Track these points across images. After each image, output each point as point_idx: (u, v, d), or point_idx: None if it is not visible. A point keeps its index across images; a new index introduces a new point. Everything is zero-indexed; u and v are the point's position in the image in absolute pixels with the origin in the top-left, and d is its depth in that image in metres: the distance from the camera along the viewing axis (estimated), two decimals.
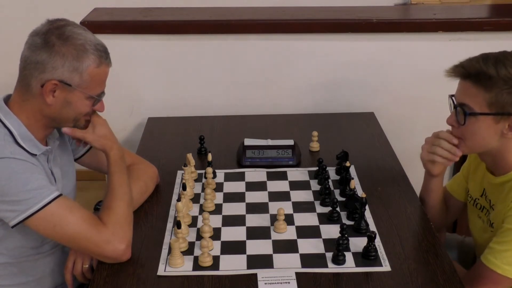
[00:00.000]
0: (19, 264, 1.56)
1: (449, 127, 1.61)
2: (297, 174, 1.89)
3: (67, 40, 1.43)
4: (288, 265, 1.46)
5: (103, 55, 1.48)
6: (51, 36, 1.42)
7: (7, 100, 1.51)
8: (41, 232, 1.44)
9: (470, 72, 1.46)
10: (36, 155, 1.48)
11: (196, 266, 1.46)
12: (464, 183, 1.76)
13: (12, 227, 1.42)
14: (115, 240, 1.45)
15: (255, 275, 1.42)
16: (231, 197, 1.76)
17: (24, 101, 1.48)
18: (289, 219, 1.62)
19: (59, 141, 1.63)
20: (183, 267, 1.45)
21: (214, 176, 1.85)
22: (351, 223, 1.62)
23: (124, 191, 1.54)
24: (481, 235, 1.64)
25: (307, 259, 1.48)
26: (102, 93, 1.54)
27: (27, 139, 1.47)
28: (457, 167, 2.46)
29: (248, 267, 1.45)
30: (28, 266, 1.57)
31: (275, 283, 1.39)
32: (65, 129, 1.54)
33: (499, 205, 1.54)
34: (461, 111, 1.50)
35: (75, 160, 1.75)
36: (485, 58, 1.46)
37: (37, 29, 1.45)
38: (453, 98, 1.54)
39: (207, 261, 1.46)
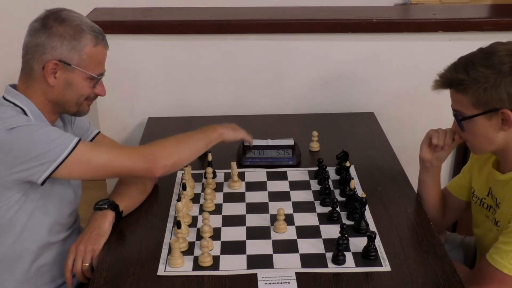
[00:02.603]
0: (27, 254, 1.58)
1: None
2: (297, 174, 1.89)
3: (64, 21, 1.51)
4: (288, 265, 1.46)
5: (99, 36, 1.56)
6: (49, 20, 1.52)
7: (13, 88, 1.57)
8: (75, 175, 1.52)
9: (446, 82, 1.51)
10: None
11: (196, 266, 1.46)
12: (466, 184, 1.76)
13: (42, 183, 1.46)
14: (149, 155, 1.57)
15: (255, 275, 1.42)
16: (231, 197, 1.77)
17: (28, 87, 1.55)
18: (289, 219, 1.62)
19: (62, 130, 1.65)
20: (183, 267, 1.46)
21: (214, 176, 1.85)
22: (351, 223, 1.62)
23: (184, 136, 1.67)
24: (486, 235, 1.64)
25: (307, 259, 1.48)
26: (102, 74, 1.60)
27: (37, 117, 1.53)
28: (456, 168, 2.46)
29: (248, 267, 1.45)
30: (34, 256, 1.59)
31: (275, 283, 1.39)
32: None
33: (506, 202, 1.54)
34: (456, 118, 1.54)
35: None
36: (457, 64, 1.51)
37: (37, 17, 1.54)
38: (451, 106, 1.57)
39: (207, 261, 1.46)
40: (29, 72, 1.53)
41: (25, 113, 1.52)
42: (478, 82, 1.44)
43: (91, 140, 1.79)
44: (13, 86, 1.58)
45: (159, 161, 1.57)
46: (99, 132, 1.82)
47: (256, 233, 1.59)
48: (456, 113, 1.54)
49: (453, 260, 1.52)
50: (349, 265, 1.45)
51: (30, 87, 1.54)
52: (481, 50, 1.50)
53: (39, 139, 1.44)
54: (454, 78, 1.48)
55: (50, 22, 1.50)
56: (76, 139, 1.48)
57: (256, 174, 1.89)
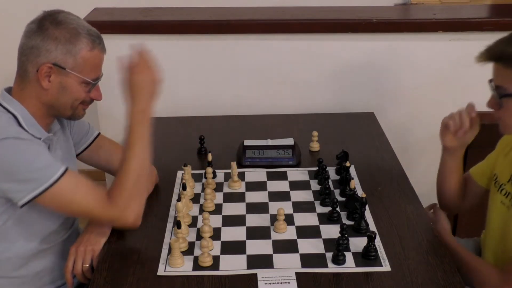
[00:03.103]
0: (22, 259, 1.56)
1: None
2: (297, 174, 1.89)
3: (60, 24, 1.48)
4: (288, 265, 1.46)
5: (96, 40, 1.52)
6: (45, 22, 1.49)
7: (8, 91, 1.55)
8: (51, 209, 1.49)
9: (495, 55, 1.47)
10: (40, 138, 1.51)
11: (196, 266, 1.46)
12: (488, 172, 1.73)
13: (21, 206, 1.44)
14: (123, 216, 1.51)
15: (255, 275, 1.42)
16: (231, 197, 1.77)
17: (22, 89, 1.52)
18: (289, 219, 1.62)
19: (60, 133, 1.65)
20: (183, 267, 1.46)
21: (214, 176, 1.85)
22: (351, 223, 1.61)
23: (136, 162, 1.52)
24: (504, 222, 1.61)
25: (307, 259, 1.48)
26: (97, 78, 1.57)
27: (30, 124, 1.50)
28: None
29: (248, 267, 1.45)
30: (30, 260, 1.58)
31: (275, 283, 1.39)
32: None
33: None
34: (496, 94, 1.49)
35: (76, 156, 1.75)
36: (509, 38, 1.47)
37: (33, 19, 1.51)
38: (491, 81, 1.53)
39: (207, 261, 1.46)
40: (23, 74, 1.50)
41: (17, 120, 1.48)
42: None
43: (92, 142, 1.77)
44: (9, 90, 1.55)
45: (136, 218, 1.52)
46: (99, 134, 1.81)
47: (256, 233, 1.59)
48: (497, 89, 1.49)
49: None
50: (349, 265, 1.45)
51: (24, 90, 1.51)
52: None
53: (23, 164, 1.41)
54: (506, 52, 1.44)
55: (46, 24, 1.47)
56: (58, 174, 1.43)
57: (256, 174, 1.89)
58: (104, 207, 1.49)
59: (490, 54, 1.48)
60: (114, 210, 1.49)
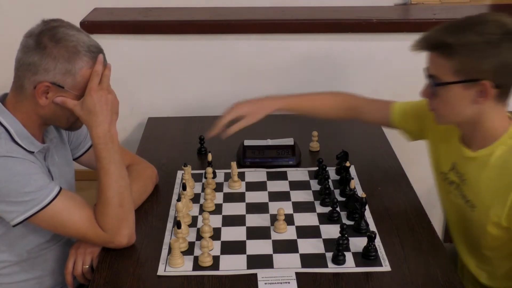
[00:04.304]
0: (21, 262, 1.56)
1: None
2: (297, 174, 1.89)
3: (59, 42, 1.41)
4: (288, 265, 1.46)
5: (96, 55, 1.46)
6: (43, 38, 1.41)
7: (3, 99, 1.52)
8: (45, 228, 1.48)
9: (432, 43, 1.46)
10: (33, 152, 1.48)
11: (196, 266, 1.46)
12: (410, 112, 1.77)
13: (13, 226, 1.43)
14: (115, 240, 1.49)
15: (255, 275, 1.42)
16: (231, 197, 1.77)
17: (18, 102, 1.48)
18: (289, 219, 1.62)
19: (57, 140, 1.63)
20: (183, 267, 1.46)
21: (214, 176, 1.85)
22: (351, 223, 1.61)
23: (114, 188, 1.48)
24: (459, 213, 1.60)
25: (307, 259, 1.48)
26: None
27: (23, 137, 1.47)
28: None
29: (248, 267, 1.45)
30: (30, 264, 1.58)
31: (275, 283, 1.39)
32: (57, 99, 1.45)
33: (473, 179, 1.50)
34: (432, 83, 1.49)
35: (75, 159, 1.75)
36: (446, 27, 1.45)
37: (31, 30, 1.44)
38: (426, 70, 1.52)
39: (207, 261, 1.46)
40: (20, 88, 1.45)
41: (10, 134, 1.44)
42: (466, 49, 1.39)
43: (91, 146, 1.75)
44: (3, 97, 1.51)
45: (129, 238, 1.51)
46: None
47: (256, 233, 1.59)
48: (432, 78, 1.48)
49: None
50: (349, 265, 1.46)
51: (20, 103, 1.47)
52: (470, 17, 1.46)
53: (15, 186, 1.39)
54: (443, 41, 1.42)
55: (45, 41, 1.40)
56: (50, 197, 1.42)
57: (256, 174, 1.89)
58: (96, 232, 1.48)
59: (427, 43, 1.47)
60: (106, 236, 1.48)
